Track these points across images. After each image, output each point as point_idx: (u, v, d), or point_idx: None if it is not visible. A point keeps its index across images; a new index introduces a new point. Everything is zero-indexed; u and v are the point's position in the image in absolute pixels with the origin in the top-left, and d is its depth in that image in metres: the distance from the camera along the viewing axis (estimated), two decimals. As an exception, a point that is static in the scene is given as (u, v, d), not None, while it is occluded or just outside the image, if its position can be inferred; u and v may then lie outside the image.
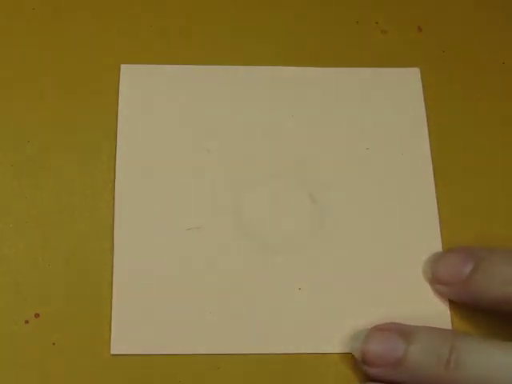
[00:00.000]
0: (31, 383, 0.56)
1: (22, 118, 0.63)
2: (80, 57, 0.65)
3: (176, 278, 0.59)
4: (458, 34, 0.69)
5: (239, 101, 0.65)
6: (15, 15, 0.66)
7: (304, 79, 0.66)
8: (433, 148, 0.64)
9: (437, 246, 0.60)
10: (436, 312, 0.59)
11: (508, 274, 0.53)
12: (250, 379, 0.57)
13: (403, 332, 0.54)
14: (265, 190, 0.62)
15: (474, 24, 0.69)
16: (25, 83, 0.64)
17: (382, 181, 0.62)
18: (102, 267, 0.59)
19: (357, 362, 0.56)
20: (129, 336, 0.57)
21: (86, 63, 0.65)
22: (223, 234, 0.60)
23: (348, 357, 0.57)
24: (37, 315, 0.57)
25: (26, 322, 0.57)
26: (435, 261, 0.58)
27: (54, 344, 0.57)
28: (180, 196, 0.61)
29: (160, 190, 0.61)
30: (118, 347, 0.57)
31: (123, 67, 0.65)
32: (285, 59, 0.66)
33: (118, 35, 0.66)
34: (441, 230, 0.61)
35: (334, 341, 0.58)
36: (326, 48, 0.67)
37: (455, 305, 0.59)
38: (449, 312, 0.59)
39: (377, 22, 0.69)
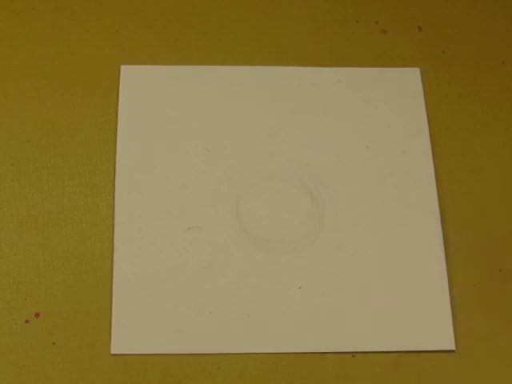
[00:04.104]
0: (31, 383, 0.56)
1: (21, 118, 0.63)
2: (80, 57, 0.65)
3: (176, 277, 0.59)
4: (457, 34, 0.69)
5: (239, 101, 0.65)
6: (15, 15, 0.66)
7: (304, 79, 0.66)
8: (433, 146, 0.64)
9: (438, 244, 0.60)
10: (436, 310, 0.59)
11: None
12: (249, 379, 0.57)
13: None
14: (265, 190, 0.62)
15: (474, 24, 0.69)
16: (25, 83, 0.64)
17: (383, 179, 0.63)
18: (101, 267, 0.59)
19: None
20: (129, 336, 0.57)
21: (86, 63, 0.65)
22: (223, 233, 0.60)
23: (348, 357, 0.57)
24: (37, 315, 0.57)
25: (26, 321, 0.57)
26: None
27: (54, 344, 0.57)
28: (180, 195, 0.61)
29: (160, 189, 0.61)
30: (118, 347, 0.57)
31: (123, 67, 0.65)
32: (285, 59, 0.66)
33: (117, 35, 0.66)
34: (442, 229, 0.61)
35: (334, 341, 0.58)
36: (326, 48, 0.67)
37: (456, 303, 0.59)
38: (450, 310, 0.59)
39: (377, 22, 0.69)
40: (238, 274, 0.59)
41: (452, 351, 0.58)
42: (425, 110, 0.65)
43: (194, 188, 0.61)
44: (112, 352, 0.57)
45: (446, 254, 0.60)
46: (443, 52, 0.68)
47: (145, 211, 0.60)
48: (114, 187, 0.61)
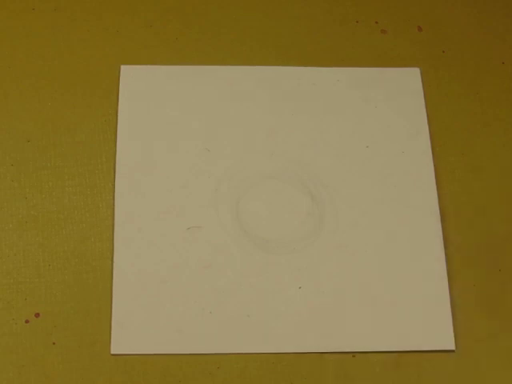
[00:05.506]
0: (31, 383, 0.56)
1: (22, 118, 0.63)
2: (80, 57, 0.65)
3: (176, 277, 0.59)
4: (457, 34, 0.69)
5: (239, 101, 0.65)
6: (15, 15, 0.66)
7: (304, 79, 0.66)
8: (433, 146, 0.64)
9: (438, 244, 0.60)
10: (436, 310, 0.59)
11: None
12: (249, 379, 0.57)
13: None
14: (265, 190, 0.62)
15: (474, 24, 0.69)
16: (25, 83, 0.64)
17: (383, 179, 0.63)
18: (101, 267, 0.59)
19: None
20: (129, 336, 0.57)
21: (86, 63, 0.65)
22: (223, 233, 0.60)
23: (348, 357, 0.57)
24: (37, 315, 0.57)
25: (26, 321, 0.57)
26: None
27: (54, 344, 0.57)
28: (180, 195, 0.61)
29: (160, 189, 0.61)
30: (118, 347, 0.57)
31: (123, 68, 0.65)
32: (285, 59, 0.66)
33: (117, 35, 0.66)
34: (442, 228, 0.61)
35: (333, 341, 0.58)
36: (326, 48, 0.67)
37: (456, 303, 0.59)
38: (450, 310, 0.59)
39: (377, 22, 0.69)
40: (238, 274, 0.59)
41: (452, 351, 0.58)
42: (425, 110, 0.65)
43: (194, 188, 0.61)
44: (112, 352, 0.57)
45: (446, 254, 0.60)
46: (443, 52, 0.68)
47: (145, 211, 0.60)
48: (114, 187, 0.61)
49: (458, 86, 0.67)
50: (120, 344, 0.57)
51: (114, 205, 0.60)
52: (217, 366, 0.57)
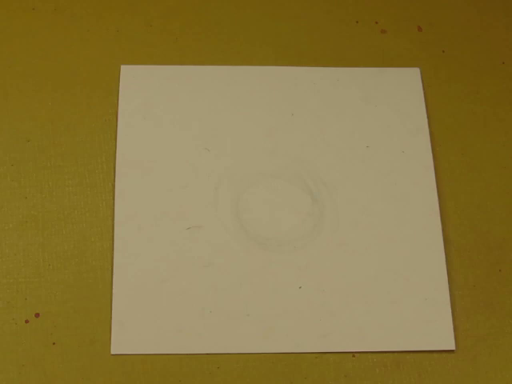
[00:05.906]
0: (31, 383, 0.56)
1: (21, 118, 0.63)
2: (80, 57, 0.65)
3: (176, 277, 0.59)
4: (457, 34, 0.69)
5: (239, 101, 0.65)
6: (15, 15, 0.66)
7: (304, 79, 0.66)
8: (433, 146, 0.64)
9: (438, 244, 0.60)
10: (436, 310, 0.59)
11: None
12: (249, 379, 0.57)
13: None
14: (265, 189, 0.62)
15: (474, 24, 0.69)
16: (25, 83, 0.64)
17: (383, 179, 0.63)
18: (101, 267, 0.59)
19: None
20: (129, 336, 0.57)
21: (86, 63, 0.65)
22: (223, 233, 0.60)
23: (348, 356, 0.57)
24: (37, 315, 0.57)
25: (26, 321, 0.57)
26: None
27: (54, 344, 0.57)
28: (180, 195, 0.61)
29: (160, 189, 0.61)
30: (118, 347, 0.57)
31: (123, 68, 0.65)
32: (284, 59, 0.66)
33: (117, 35, 0.67)
34: (442, 228, 0.61)
35: (333, 340, 0.58)
36: (326, 48, 0.67)
37: (456, 303, 0.59)
38: (450, 310, 0.59)
39: (377, 22, 0.69)
40: (238, 273, 0.59)
41: (452, 351, 0.58)
42: (425, 109, 0.65)
43: (193, 188, 0.61)
44: (112, 352, 0.57)
45: (446, 254, 0.60)
46: (443, 52, 0.68)
47: (145, 211, 0.60)
48: (114, 187, 0.61)
49: (458, 86, 0.67)
50: (120, 344, 0.57)
51: (113, 205, 0.60)
52: (217, 365, 0.57)
